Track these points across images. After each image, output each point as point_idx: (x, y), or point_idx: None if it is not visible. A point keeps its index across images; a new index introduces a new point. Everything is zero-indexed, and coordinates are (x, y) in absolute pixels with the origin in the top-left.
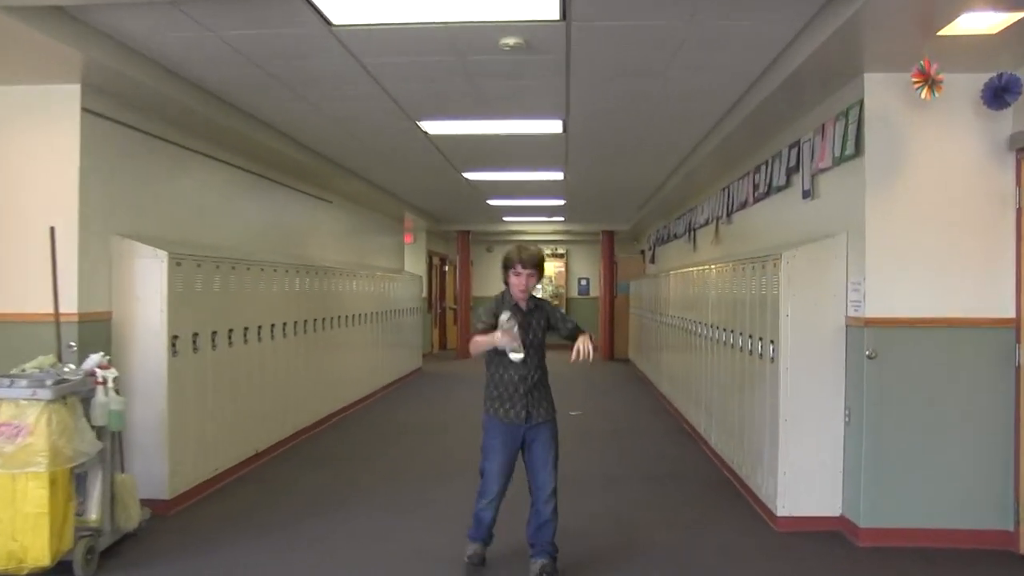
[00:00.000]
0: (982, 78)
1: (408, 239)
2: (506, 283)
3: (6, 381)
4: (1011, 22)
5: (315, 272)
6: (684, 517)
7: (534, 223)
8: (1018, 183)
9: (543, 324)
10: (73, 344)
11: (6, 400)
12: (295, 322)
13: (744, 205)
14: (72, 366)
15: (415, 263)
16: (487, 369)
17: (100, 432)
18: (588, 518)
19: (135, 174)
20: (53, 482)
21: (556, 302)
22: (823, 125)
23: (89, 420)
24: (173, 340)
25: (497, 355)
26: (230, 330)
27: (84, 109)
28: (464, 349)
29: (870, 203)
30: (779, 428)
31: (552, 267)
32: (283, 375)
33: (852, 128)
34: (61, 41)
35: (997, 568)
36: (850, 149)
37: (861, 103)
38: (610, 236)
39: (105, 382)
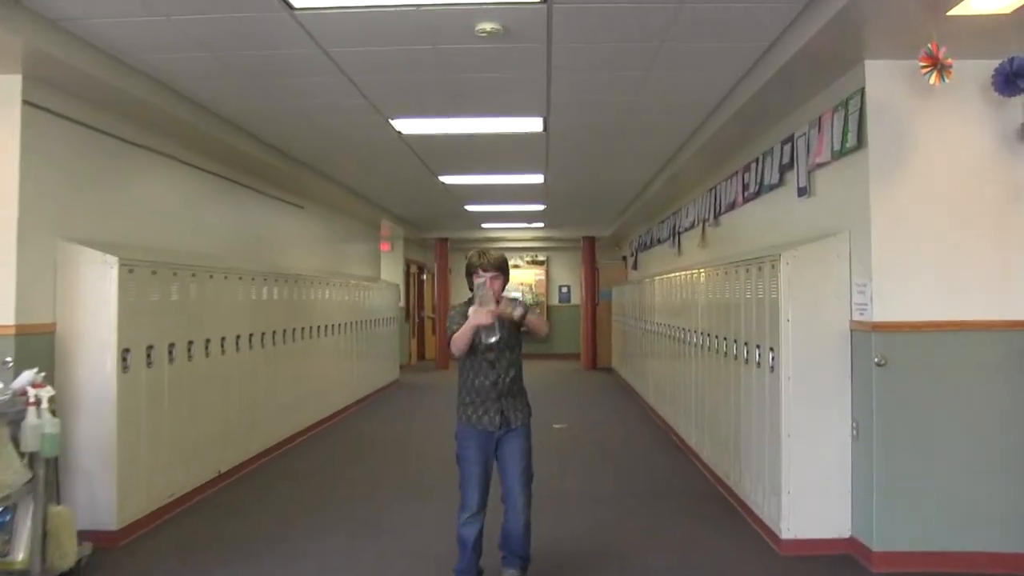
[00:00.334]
0: (989, 65)
1: (385, 247)
2: (471, 289)
3: None
4: None
5: (285, 280)
6: (678, 538)
7: (514, 229)
8: None
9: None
10: (9, 360)
11: None
12: (263, 333)
13: (733, 206)
14: (1, 384)
15: (392, 272)
16: (460, 376)
17: (32, 459)
18: (573, 539)
19: (87, 174)
20: None
21: (538, 310)
22: (820, 117)
23: (18, 446)
24: (124, 354)
25: (470, 359)
26: (190, 342)
27: (25, 102)
28: (443, 359)
29: (875, 198)
30: (781, 443)
31: (532, 274)
32: (249, 390)
33: (853, 119)
34: None
35: None
36: (851, 141)
37: (862, 92)
38: (591, 242)
39: (39, 402)
